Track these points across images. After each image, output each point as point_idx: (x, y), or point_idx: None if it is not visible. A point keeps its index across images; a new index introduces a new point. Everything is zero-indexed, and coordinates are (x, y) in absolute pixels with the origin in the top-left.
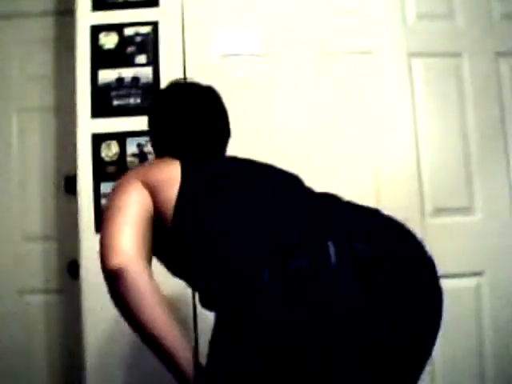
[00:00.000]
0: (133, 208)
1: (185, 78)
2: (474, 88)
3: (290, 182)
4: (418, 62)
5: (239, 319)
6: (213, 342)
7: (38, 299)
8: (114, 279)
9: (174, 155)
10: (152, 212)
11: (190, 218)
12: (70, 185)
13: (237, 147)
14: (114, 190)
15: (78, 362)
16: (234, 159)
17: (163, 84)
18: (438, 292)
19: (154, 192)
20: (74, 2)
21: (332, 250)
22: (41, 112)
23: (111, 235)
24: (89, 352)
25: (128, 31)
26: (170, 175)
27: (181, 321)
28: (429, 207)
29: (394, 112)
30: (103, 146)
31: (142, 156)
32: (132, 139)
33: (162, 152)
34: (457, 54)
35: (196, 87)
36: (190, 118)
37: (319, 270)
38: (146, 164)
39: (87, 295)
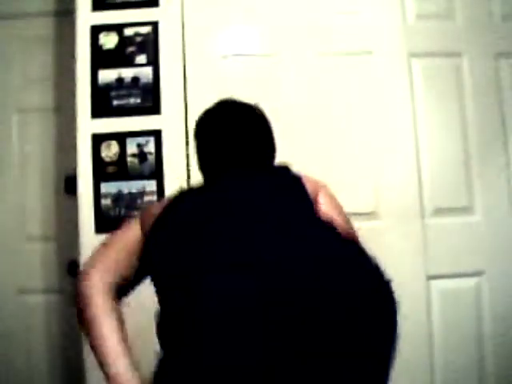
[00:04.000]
0: (116, 240)
1: (185, 79)
2: (473, 88)
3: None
4: (417, 62)
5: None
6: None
7: (37, 299)
8: (78, 304)
9: (215, 171)
10: (140, 245)
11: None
12: (70, 185)
13: None
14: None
15: (78, 361)
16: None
17: (163, 84)
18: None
19: (145, 226)
20: (74, 2)
21: None
22: (41, 112)
23: (92, 257)
24: (89, 352)
25: (128, 31)
26: (154, 212)
27: None
28: (429, 207)
29: (393, 112)
30: (103, 146)
31: (141, 156)
32: (132, 139)
33: (206, 169)
34: (457, 54)
35: (240, 106)
36: (230, 135)
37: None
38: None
39: None
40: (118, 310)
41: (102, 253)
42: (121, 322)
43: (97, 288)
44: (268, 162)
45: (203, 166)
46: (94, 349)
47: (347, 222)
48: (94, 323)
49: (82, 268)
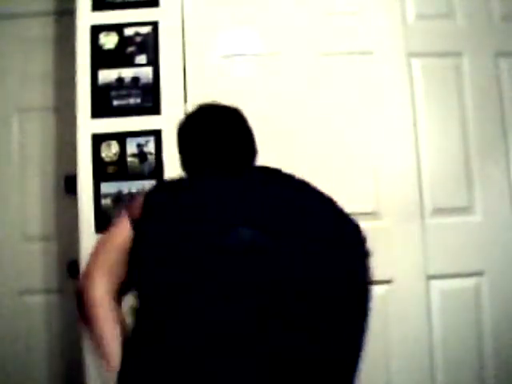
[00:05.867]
0: (112, 241)
1: (185, 79)
2: (473, 88)
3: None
4: (417, 62)
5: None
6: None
7: (37, 299)
8: (77, 299)
9: (198, 172)
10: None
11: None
12: (70, 185)
13: None
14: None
15: (78, 361)
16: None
17: (163, 84)
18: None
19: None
20: (74, 2)
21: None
22: (41, 112)
23: (92, 260)
24: (89, 352)
25: (128, 31)
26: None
27: None
28: (429, 207)
29: (393, 112)
30: (103, 145)
31: (141, 156)
32: (132, 139)
33: (189, 169)
34: (457, 54)
35: (220, 109)
36: (212, 138)
37: None
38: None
39: None
40: (120, 311)
41: (100, 254)
42: (122, 321)
43: (100, 292)
44: (249, 163)
45: (185, 166)
46: (96, 345)
47: None
48: (97, 324)
49: (83, 271)
